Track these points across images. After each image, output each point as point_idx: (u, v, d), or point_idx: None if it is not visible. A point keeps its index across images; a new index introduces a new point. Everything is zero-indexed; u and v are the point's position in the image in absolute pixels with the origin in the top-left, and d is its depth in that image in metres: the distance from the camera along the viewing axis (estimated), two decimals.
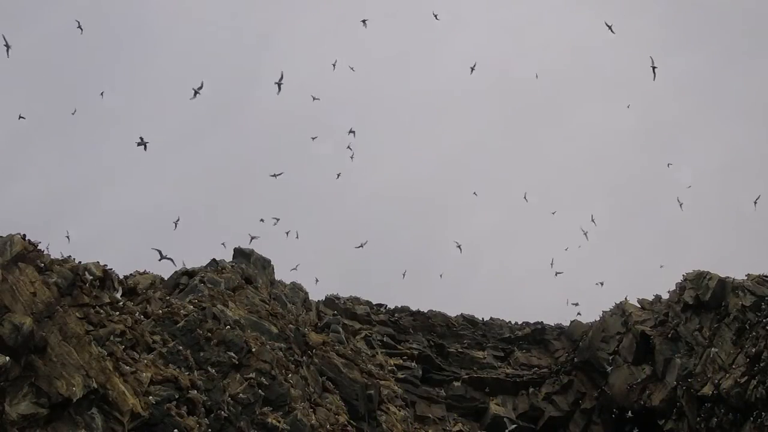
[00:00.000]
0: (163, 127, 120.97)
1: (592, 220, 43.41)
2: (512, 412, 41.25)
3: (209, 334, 26.61)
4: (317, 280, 43.55)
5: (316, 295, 44.62)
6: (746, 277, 35.26)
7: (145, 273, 33.09)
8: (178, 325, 26.36)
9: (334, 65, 39.13)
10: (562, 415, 41.05)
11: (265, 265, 40.06)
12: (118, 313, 24.41)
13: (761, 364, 30.05)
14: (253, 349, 27.39)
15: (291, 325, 33.52)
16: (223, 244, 39.98)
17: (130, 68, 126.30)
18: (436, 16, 51.35)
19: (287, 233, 42.86)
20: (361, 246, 39.54)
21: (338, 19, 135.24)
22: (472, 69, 43.10)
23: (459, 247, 45.36)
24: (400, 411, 35.62)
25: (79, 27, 33.57)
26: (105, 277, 25.69)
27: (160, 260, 31.11)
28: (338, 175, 45.36)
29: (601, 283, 43.67)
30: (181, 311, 27.32)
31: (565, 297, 55.66)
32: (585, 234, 42.67)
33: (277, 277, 41.13)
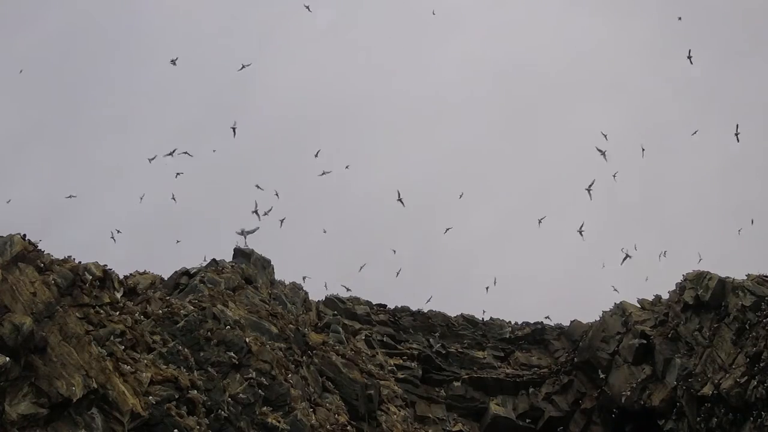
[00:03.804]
0: (162, 128, 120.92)
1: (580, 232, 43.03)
2: (512, 412, 41.24)
3: (209, 334, 26.59)
4: (304, 278, 43.08)
5: (316, 295, 44.59)
6: (746, 277, 35.22)
7: (145, 273, 33.13)
8: (178, 325, 26.35)
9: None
10: (562, 415, 41.01)
11: (265, 265, 40.01)
12: (118, 313, 24.41)
13: (761, 364, 30.05)
14: (253, 349, 27.36)
15: (291, 325, 33.48)
16: (177, 241, 40.14)
17: (128, 69, 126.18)
18: (433, 12, 52.13)
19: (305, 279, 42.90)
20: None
21: (335, 21, 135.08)
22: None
23: (487, 288, 46.17)
24: (400, 411, 35.60)
25: None
26: (105, 277, 25.69)
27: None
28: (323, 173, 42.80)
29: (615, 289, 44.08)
30: (181, 311, 27.31)
31: (564, 298, 55.58)
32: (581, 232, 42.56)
33: (277, 276, 41.11)
